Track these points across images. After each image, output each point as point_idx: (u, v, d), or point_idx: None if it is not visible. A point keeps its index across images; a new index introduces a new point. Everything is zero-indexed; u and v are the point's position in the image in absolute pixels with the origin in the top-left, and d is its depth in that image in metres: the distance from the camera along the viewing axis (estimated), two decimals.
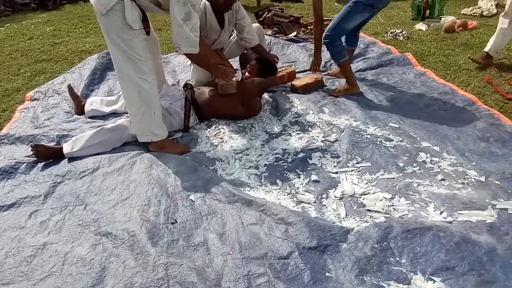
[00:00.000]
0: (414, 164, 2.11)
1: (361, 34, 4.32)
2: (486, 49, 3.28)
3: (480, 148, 2.22)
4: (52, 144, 2.52)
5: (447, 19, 4.62)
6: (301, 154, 2.28)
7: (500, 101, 2.74)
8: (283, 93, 3.10)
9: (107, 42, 2.22)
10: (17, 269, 1.64)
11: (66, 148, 2.38)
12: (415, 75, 3.22)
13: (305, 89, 3.09)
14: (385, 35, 4.43)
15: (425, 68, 3.37)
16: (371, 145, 2.27)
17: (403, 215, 1.76)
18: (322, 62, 3.67)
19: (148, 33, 2.27)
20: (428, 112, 2.66)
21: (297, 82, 3.15)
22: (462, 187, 1.93)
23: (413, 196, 1.88)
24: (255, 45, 3.07)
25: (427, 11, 5.05)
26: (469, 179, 1.98)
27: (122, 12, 2.08)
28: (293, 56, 3.89)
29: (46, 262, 1.66)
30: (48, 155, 2.39)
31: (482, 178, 1.97)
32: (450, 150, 2.21)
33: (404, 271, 1.50)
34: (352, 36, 3.02)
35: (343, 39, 2.98)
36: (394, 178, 2.01)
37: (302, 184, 2.04)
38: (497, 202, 1.81)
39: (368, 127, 2.48)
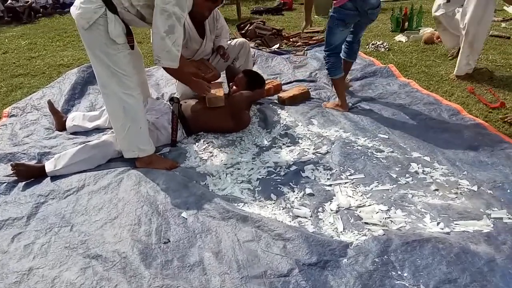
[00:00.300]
0: (407, 175, 2.11)
1: None
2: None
3: (470, 158, 2.25)
4: (33, 163, 2.41)
5: (426, 31, 4.73)
6: (294, 167, 2.25)
7: (484, 111, 2.80)
8: (271, 105, 3.08)
9: (90, 57, 2.16)
10: None
11: (49, 166, 2.28)
12: (399, 86, 3.26)
13: (292, 101, 3.09)
14: (367, 46, 4.49)
15: (408, 79, 3.42)
16: (362, 157, 2.27)
17: (401, 227, 1.75)
18: (307, 73, 3.69)
19: (132, 47, 2.22)
20: (415, 123, 2.69)
21: (284, 94, 3.14)
22: (456, 197, 1.94)
23: (409, 208, 1.87)
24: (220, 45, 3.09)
25: (406, 23, 5.17)
26: (462, 188, 1.99)
27: (105, 27, 2.03)
28: (278, 68, 3.89)
29: None
30: (30, 174, 2.28)
31: (475, 188, 1.99)
32: (440, 160, 2.22)
33: (407, 285, 1.48)
34: (348, 47, 3.00)
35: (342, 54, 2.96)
36: (388, 189, 2.01)
37: (296, 198, 2.01)
38: (492, 211, 1.82)
39: (358, 139, 2.48)
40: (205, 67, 2.92)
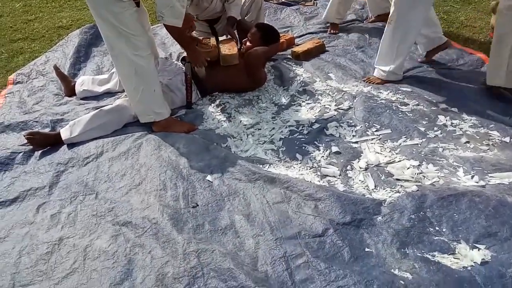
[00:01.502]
0: (435, 128, 2.05)
1: None
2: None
3: (498, 108, 2.17)
4: (46, 130, 2.35)
5: None
6: (316, 125, 2.19)
7: None
8: (285, 61, 2.96)
9: (95, 18, 2.05)
10: (35, 268, 1.53)
11: (65, 133, 2.22)
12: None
13: (307, 55, 2.96)
14: None
15: None
16: (387, 111, 2.19)
17: (434, 182, 1.71)
18: (320, 24, 3.50)
19: (138, 4, 2.09)
20: (439, 73, 2.58)
21: (298, 49, 3.01)
22: (488, 149, 1.89)
23: (441, 162, 1.82)
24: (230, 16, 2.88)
25: None
26: (493, 140, 1.94)
27: None
28: (288, 20, 3.72)
29: (65, 258, 1.55)
30: (45, 142, 2.22)
31: (507, 139, 1.93)
32: (468, 111, 2.15)
33: (446, 240, 1.46)
34: None
35: None
36: (417, 144, 1.95)
37: (323, 156, 1.96)
38: None
39: (381, 92, 2.39)
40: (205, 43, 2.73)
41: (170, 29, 2.17)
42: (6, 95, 2.86)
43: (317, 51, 3.00)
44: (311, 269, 1.40)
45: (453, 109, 2.18)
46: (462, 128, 2.03)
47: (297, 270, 1.41)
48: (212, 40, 2.62)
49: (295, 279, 1.38)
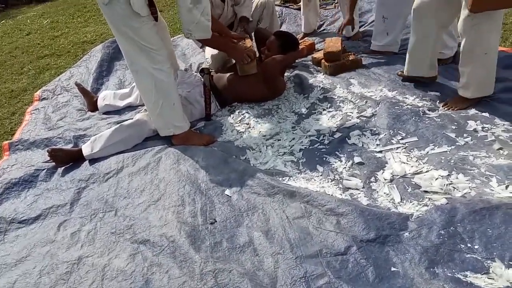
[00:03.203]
0: (465, 134, 1.92)
1: None
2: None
3: None
4: (69, 146, 2.39)
5: None
6: (338, 134, 2.11)
7: None
8: (305, 67, 2.89)
9: (114, 34, 2.06)
10: None
11: (86, 149, 2.24)
12: None
13: (340, 71, 2.77)
14: None
15: None
16: (413, 117, 2.08)
17: (465, 193, 1.60)
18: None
19: (156, 18, 2.09)
20: None
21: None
22: None
23: (472, 171, 1.71)
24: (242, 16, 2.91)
25: None
26: None
27: None
28: None
29: (84, 278, 1.55)
30: (68, 158, 2.26)
31: None
32: (501, 115, 2.01)
33: (480, 258, 1.35)
34: None
35: None
36: (446, 152, 1.84)
37: (345, 168, 1.88)
38: None
39: (407, 98, 2.28)
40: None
41: (203, 40, 2.22)
42: (32, 112, 2.94)
43: (352, 66, 2.78)
44: None
45: (484, 113, 2.04)
46: (494, 132, 1.90)
47: None
48: (248, 42, 2.58)
49: None
